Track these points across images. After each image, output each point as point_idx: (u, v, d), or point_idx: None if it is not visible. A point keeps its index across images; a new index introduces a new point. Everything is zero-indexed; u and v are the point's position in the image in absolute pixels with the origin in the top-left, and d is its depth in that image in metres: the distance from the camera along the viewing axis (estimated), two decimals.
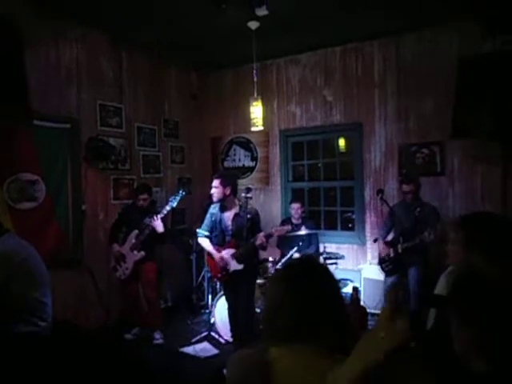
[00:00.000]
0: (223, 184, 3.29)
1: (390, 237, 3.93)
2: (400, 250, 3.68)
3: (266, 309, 1.08)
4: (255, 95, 3.70)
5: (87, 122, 4.16)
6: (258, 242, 3.19)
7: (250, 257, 3.34)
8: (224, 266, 3.32)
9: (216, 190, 3.32)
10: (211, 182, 5.40)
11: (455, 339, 0.93)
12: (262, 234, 3.21)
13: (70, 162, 4.02)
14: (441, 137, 4.08)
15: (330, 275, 1.07)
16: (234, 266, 3.31)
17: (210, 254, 3.49)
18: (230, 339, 3.70)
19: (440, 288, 1.96)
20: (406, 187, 3.75)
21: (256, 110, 3.65)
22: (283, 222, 4.68)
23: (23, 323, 2.29)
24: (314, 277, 1.04)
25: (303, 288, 1.01)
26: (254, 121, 3.68)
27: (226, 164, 5.57)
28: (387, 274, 3.82)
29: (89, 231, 4.14)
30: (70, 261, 3.89)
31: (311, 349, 0.96)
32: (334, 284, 1.06)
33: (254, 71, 3.81)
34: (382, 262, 3.85)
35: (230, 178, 3.38)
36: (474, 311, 0.89)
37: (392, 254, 3.75)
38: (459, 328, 0.93)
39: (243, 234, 3.22)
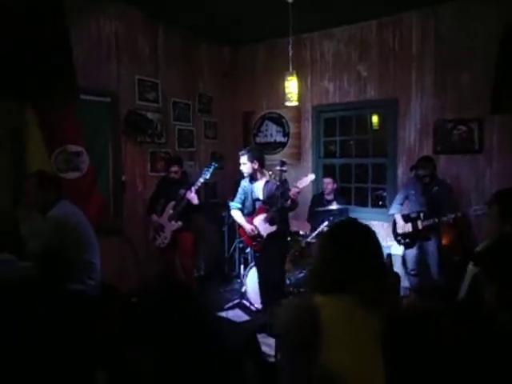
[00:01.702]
0: (250, 159, 3.50)
1: (404, 211, 3.93)
2: (420, 227, 3.73)
3: (314, 262, 1.18)
4: (290, 70, 3.70)
5: (126, 96, 4.30)
6: (291, 193, 3.31)
7: (283, 219, 3.49)
8: (256, 236, 3.47)
9: (244, 166, 3.54)
10: None
11: (486, 293, 1.07)
12: (294, 188, 3.35)
13: (111, 135, 4.20)
14: (479, 113, 3.97)
15: (374, 235, 1.15)
16: (267, 229, 3.47)
17: (241, 226, 3.66)
18: (261, 307, 3.88)
19: (465, 281, 2.01)
20: (422, 172, 3.74)
21: (291, 85, 3.66)
22: (314, 198, 4.75)
23: (75, 282, 2.51)
24: (359, 235, 1.13)
25: (349, 245, 1.10)
26: (289, 96, 3.69)
27: (257, 139, 5.63)
28: (406, 246, 3.88)
29: (128, 202, 4.35)
30: (110, 229, 4.12)
31: (351, 299, 1.05)
32: (377, 243, 1.14)
33: (290, 45, 3.79)
34: (398, 235, 3.89)
35: (256, 153, 3.57)
36: (499, 270, 1.07)
37: (410, 230, 3.79)
38: (487, 284, 1.10)
39: (273, 199, 3.34)
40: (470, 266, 1.92)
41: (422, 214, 3.74)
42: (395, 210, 4.00)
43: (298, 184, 3.36)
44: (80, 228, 2.60)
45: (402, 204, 3.98)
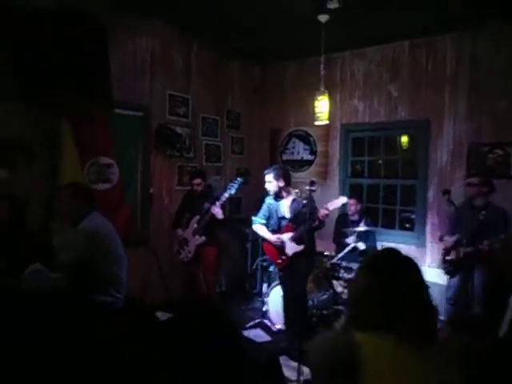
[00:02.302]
0: (276, 177, 3.49)
1: (454, 238, 3.77)
2: (462, 254, 3.55)
3: (352, 295, 1.13)
4: (322, 89, 3.70)
5: (157, 110, 4.39)
6: (320, 214, 3.26)
7: (309, 238, 3.43)
8: (281, 245, 3.43)
9: (270, 184, 3.52)
10: None
11: None
12: (323, 209, 3.30)
13: (141, 148, 4.27)
14: None
15: (416, 267, 1.10)
16: (293, 248, 3.42)
17: (266, 241, 3.61)
18: (283, 327, 3.80)
19: None
20: (472, 179, 3.55)
21: (322, 104, 3.65)
22: (339, 218, 4.66)
23: (103, 294, 2.52)
24: (400, 267, 1.08)
25: (390, 278, 1.05)
26: (319, 115, 3.69)
27: (284, 157, 5.62)
28: (449, 274, 3.70)
29: (154, 214, 4.40)
30: (137, 241, 4.16)
31: (394, 337, 0.99)
32: (420, 276, 1.08)
33: (322, 65, 3.80)
34: (444, 261, 3.72)
35: (281, 171, 3.57)
36: None
37: (453, 257, 3.62)
38: None
39: (300, 218, 3.30)
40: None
41: (464, 241, 3.53)
42: (445, 233, 3.79)
43: (328, 205, 3.31)
44: (109, 240, 2.62)
45: (455, 227, 3.71)
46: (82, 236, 2.48)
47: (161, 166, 4.46)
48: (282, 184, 3.49)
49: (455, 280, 3.67)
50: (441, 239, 3.85)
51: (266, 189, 4.12)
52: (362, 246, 4.14)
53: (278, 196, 3.57)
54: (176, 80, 4.61)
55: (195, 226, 3.99)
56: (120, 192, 3.99)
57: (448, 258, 3.67)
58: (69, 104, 3.32)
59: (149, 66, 4.28)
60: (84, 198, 2.60)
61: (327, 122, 3.79)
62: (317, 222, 3.31)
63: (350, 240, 4.12)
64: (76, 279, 2.31)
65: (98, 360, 1.69)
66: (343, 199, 3.39)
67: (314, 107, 3.87)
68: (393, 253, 1.13)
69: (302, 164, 5.38)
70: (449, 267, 3.66)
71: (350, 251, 4.10)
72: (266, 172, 3.57)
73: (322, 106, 3.65)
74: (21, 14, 2.99)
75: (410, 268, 1.09)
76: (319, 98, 3.64)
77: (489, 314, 3.36)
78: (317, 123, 3.78)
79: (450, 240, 3.67)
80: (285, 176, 3.53)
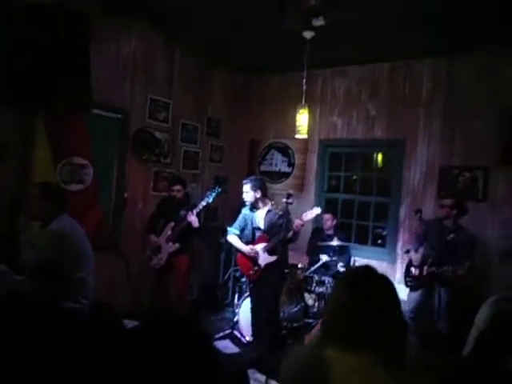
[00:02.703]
0: (253, 188, 3.53)
1: (420, 252, 3.84)
2: (425, 273, 3.62)
3: (328, 313, 1.13)
4: (303, 103, 3.75)
5: (137, 113, 4.33)
6: (294, 227, 3.29)
7: (283, 249, 3.45)
8: (254, 257, 3.46)
9: (247, 194, 3.56)
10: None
11: None
12: (298, 220, 3.33)
13: (118, 151, 4.19)
14: (485, 162, 4.01)
15: (390, 284, 1.11)
16: (266, 258, 3.43)
17: (240, 252, 3.60)
18: (252, 339, 3.77)
19: (483, 316, 1.96)
20: (445, 201, 3.63)
21: (302, 118, 3.70)
22: (314, 231, 4.71)
23: (69, 300, 2.43)
24: (376, 285, 1.08)
25: (366, 295, 1.05)
26: (299, 128, 3.73)
27: (262, 167, 5.64)
28: (411, 288, 3.76)
29: (127, 219, 4.30)
30: (107, 245, 4.05)
31: (369, 355, 1.00)
32: (394, 293, 1.09)
33: (304, 80, 3.86)
34: (407, 275, 3.79)
35: (258, 182, 3.61)
36: None
37: (416, 273, 3.69)
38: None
39: (275, 229, 3.31)
40: (478, 318, 1.87)
41: (429, 260, 3.61)
42: (412, 247, 3.87)
43: (302, 217, 3.34)
44: (78, 243, 2.54)
45: (421, 243, 3.78)
46: (50, 237, 2.39)
47: (137, 171, 4.39)
48: (258, 195, 3.52)
49: (416, 294, 3.73)
50: (407, 252, 3.93)
51: (243, 198, 4.14)
52: (341, 267, 4.15)
53: (254, 207, 3.59)
54: (158, 84, 4.57)
55: (169, 232, 3.93)
56: (93, 194, 3.90)
57: (411, 273, 3.75)
58: (44, 101, 3.23)
59: (131, 68, 4.23)
60: (54, 198, 2.51)
61: (306, 136, 3.84)
62: (291, 234, 3.32)
63: (324, 256, 4.14)
64: (41, 283, 2.22)
65: (64, 369, 1.62)
66: (317, 210, 3.43)
67: (294, 120, 3.91)
68: (369, 270, 1.14)
69: (280, 176, 5.42)
70: (411, 282, 3.74)
71: (322, 266, 4.13)
72: (244, 182, 3.58)
73: (303, 120, 3.69)
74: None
75: (386, 285, 1.10)
76: (300, 111, 3.68)
77: (452, 330, 3.45)
78: (297, 136, 3.82)
79: (415, 256, 3.75)
80: (262, 187, 3.56)
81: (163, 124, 4.64)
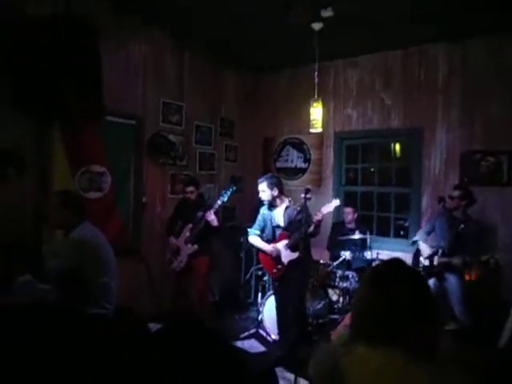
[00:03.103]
0: (270, 187, 3.47)
1: (429, 242, 3.77)
2: (435, 263, 3.57)
3: (354, 309, 1.09)
4: (315, 96, 3.70)
5: (150, 118, 4.35)
6: (315, 220, 3.24)
7: (305, 245, 3.40)
8: (277, 255, 3.42)
9: (264, 193, 3.50)
10: None
11: None
12: (318, 213, 3.29)
13: (134, 157, 4.22)
14: (507, 146, 3.87)
15: (419, 278, 1.06)
16: (288, 256, 3.40)
17: (262, 251, 3.58)
18: (278, 338, 3.74)
19: None
20: (454, 192, 3.57)
21: (316, 112, 3.65)
22: (334, 226, 4.65)
23: (93, 305, 2.45)
24: (402, 279, 1.04)
25: (391, 290, 1.01)
26: (313, 122, 3.68)
27: (278, 164, 5.61)
28: None
29: (147, 222, 4.34)
30: (128, 250, 4.08)
31: (399, 352, 0.95)
32: (423, 287, 1.05)
33: (316, 72, 3.80)
34: (415, 266, 3.70)
35: (274, 180, 3.55)
36: None
37: (427, 263, 3.64)
38: None
39: (295, 225, 3.27)
40: None
41: (440, 250, 3.57)
42: (419, 237, 3.83)
43: (322, 209, 3.29)
44: (100, 250, 2.56)
45: (428, 233, 3.80)
46: (72, 245, 2.42)
47: (153, 175, 4.41)
48: (275, 193, 3.48)
49: (431, 281, 3.62)
50: (414, 243, 3.89)
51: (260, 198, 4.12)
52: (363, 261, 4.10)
53: (272, 205, 3.55)
54: (169, 87, 4.58)
55: (188, 234, 3.94)
56: (112, 200, 3.93)
57: (421, 263, 3.68)
58: (58, 110, 3.27)
59: (142, 75, 4.25)
60: (74, 206, 2.54)
61: (321, 129, 3.78)
62: (312, 228, 3.27)
63: (346, 253, 4.07)
64: (66, 290, 2.24)
65: (91, 373, 1.63)
66: (336, 202, 3.38)
67: (308, 115, 3.87)
68: (395, 264, 1.09)
69: (296, 172, 5.37)
70: (422, 272, 3.66)
71: (345, 260, 4.07)
72: (259, 181, 3.54)
73: (317, 114, 3.64)
74: (14, 18, 2.95)
75: (412, 279, 1.05)
76: (314, 105, 3.63)
77: (471, 319, 3.38)
78: (311, 130, 3.77)
79: (423, 246, 3.73)
80: (278, 184, 3.52)
81: (177, 127, 4.66)
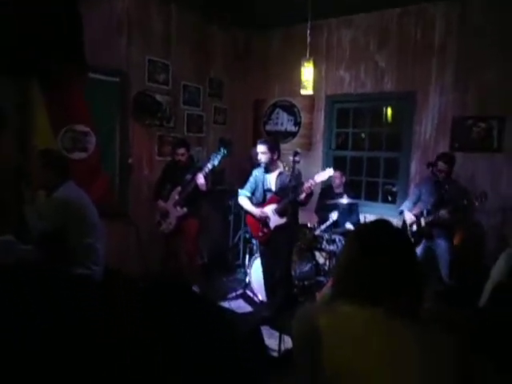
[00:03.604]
0: (271, 150, 3.42)
1: (415, 211, 3.82)
2: (423, 224, 3.63)
3: (338, 268, 1.08)
4: (307, 56, 3.56)
5: (135, 76, 4.18)
6: (305, 187, 3.22)
7: (293, 211, 3.39)
8: (264, 220, 3.42)
9: (264, 155, 3.44)
10: (252, 144, 5.42)
11: None
12: (310, 181, 3.25)
13: (119, 116, 4.08)
14: (502, 111, 3.83)
15: (405, 238, 1.05)
16: (276, 220, 3.41)
17: (250, 214, 3.57)
18: (265, 299, 3.82)
19: (499, 268, 1.92)
20: (443, 166, 3.57)
21: (307, 72, 3.52)
22: (322, 190, 4.64)
23: (78, 266, 2.43)
24: (386, 239, 1.02)
25: (375, 250, 1.00)
26: (304, 83, 3.56)
27: (267, 127, 5.51)
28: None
29: (134, 185, 4.27)
30: (116, 212, 4.04)
31: (383, 310, 0.95)
32: (409, 248, 1.04)
33: (308, 31, 3.65)
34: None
35: (276, 143, 3.52)
36: None
37: (415, 228, 3.70)
38: None
39: (286, 191, 3.26)
40: (494, 271, 1.82)
41: (425, 211, 3.63)
42: (404, 207, 3.88)
43: (315, 178, 3.26)
44: (84, 210, 2.51)
45: (415, 203, 3.85)
46: (55, 205, 2.37)
47: (140, 136, 4.30)
48: (275, 156, 3.45)
49: (419, 248, 3.72)
50: (401, 213, 3.90)
51: (250, 159, 4.06)
52: (348, 225, 4.14)
53: (268, 168, 3.50)
54: (155, 45, 4.37)
55: (176, 197, 3.90)
56: (97, 161, 3.84)
57: (411, 230, 3.73)
58: (37, 66, 3.10)
59: (125, 28, 4.03)
60: (57, 166, 2.46)
61: (311, 92, 3.67)
62: (303, 196, 3.25)
63: (333, 215, 4.10)
64: (49, 251, 2.21)
65: (81, 332, 1.63)
66: (330, 171, 3.33)
67: (299, 76, 3.74)
68: (381, 224, 1.07)
69: (286, 135, 5.29)
70: (412, 238, 3.72)
71: (332, 224, 4.10)
72: (259, 142, 3.49)
73: (308, 74, 3.52)
74: None
75: (397, 238, 1.03)
76: (305, 65, 3.50)
77: (456, 280, 3.49)
78: (302, 92, 3.65)
79: (408, 215, 3.77)
80: (279, 148, 3.50)
81: (163, 86, 4.49)
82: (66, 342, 1.75)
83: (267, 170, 3.51)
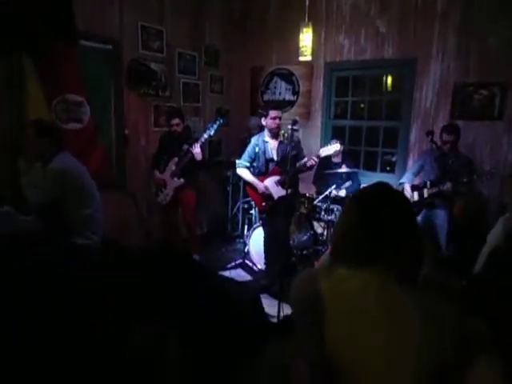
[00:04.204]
0: (281, 117, 3.41)
1: (416, 181, 3.81)
2: (426, 195, 3.61)
3: (336, 231, 1.07)
4: (306, 21, 3.44)
5: (129, 43, 4.05)
6: (309, 163, 3.25)
7: (295, 182, 3.43)
8: (269, 195, 3.40)
9: (280, 122, 3.40)
10: (250, 114, 5.34)
11: None
12: (314, 157, 3.29)
13: (113, 85, 3.98)
14: (504, 78, 3.75)
15: (407, 202, 1.03)
16: (278, 191, 3.40)
17: (251, 185, 3.55)
18: (263, 268, 3.87)
19: (496, 233, 1.93)
20: (447, 137, 3.51)
21: (306, 38, 3.42)
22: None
23: (77, 236, 2.44)
24: (384, 201, 1.00)
25: (374, 213, 0.98)
26: (303, 49, 3.47)
27: (265, 97, 5.40)
28: None
29: (130, 157, 4.23)
30: (112, 184, 4.02)
31: (381, 273, 0.95)
32: (409, 211, 1.02)
33: None
34: None
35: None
36: None
37: (416, 198, 3.68)
38: None
39: (287, 161, 3.23)
40: (491, 237, 1.83)
41: (428, 183, 3.60)
42: (405, 179, 3.85)
43: (320, 152, 3.25)
44: (81, 181, 2.49)
45: (415, 174, 3.82)
46: (51, 176, 2.34)
47: (135, 106, 4.21)
48: (281, 125, 3.42)
49: (418, 218, 3.71)
50: (400, 184, 3.89)
51: (248, 129, 4.02)
52: (342, 192, 4.14)
53: (276, 135, 3.46)
54: (148, 9, 4.21)
55: (173, 168, 3.87)
56: (92, 132, 3.78)
57: (412, 199, 3.72)
58: (27, 33, 2.99)
59: None
60: (50, 136, 2.41)
61: (310, 58, 3.58)
62: (310, 162, 3.29)
63: (331, 186, 4.08)
64: (47, 222, 2.20)
65: (74, 296, 1.65)
66: (336, 146, 3.30)
67: (298, 43, 3.63)
68: (381, 187, 1.05)
69: (284, 105, 5.19)
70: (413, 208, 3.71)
71: (331, 194, 4.09)
72: (274, 108, 3.43)
73: (306, 40, 3.42)
74: None
75: (397, 201, 1.01)
76: (304, 30, 3.39)
77: (456, 250, 3.52)
78: (301, 59, 3.57)
79: (408, 187, 3.75)
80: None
81: (158, 54, 4.36)
82: (64, 311, 1.77)
83: (273, 138, 3.46)
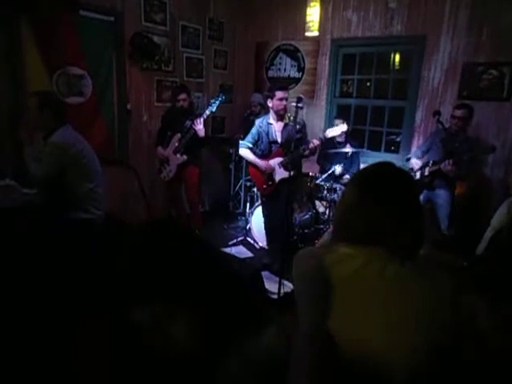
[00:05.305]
0: (287, 98, 3.32)
1: (422, 160, 3.77)
2: (426, 173, 3.57)
3: (337, 210, 1.07)
4: None
5: (131, 15, 3.94)
6: (311, 145, 3.20)
7: (298, 165, 3.39)
8: (270, 173, 3.38)
9: (286, 103, 3.31)
10: (254, 90, 5.26)
11: None
12: (316, 139, 3.23)
13: (115, 59, 3.91)
14: None
15: (411, 182, 1.02)
16: (281, 173, 3.37)
17: (254, 166, 3.52)
18: (265, 245, 3.89)
19: (501, 215, 1.92)
20: (458, 112, 3.42)
21: (313, 12, 3.33)
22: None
23: (81, 210, 2.45)
24: (387, 181, 0.99)
25: (375, 190, 0.98)
26: (310, 24, 3.39)
27: (270, 73, 5.30)
28: None
29: (133, 132, 4.19)
30: (115, 160, 4.00)
31: (383, 251, 0.95)
32: (411, 188, 1.01)
33: None
34: None
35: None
36: None
37: (418, 176, 3.64)
38: None
39: (291, 144, 3.19)
40: (495, 219, 1.83)
41: (431, 162, 3.56)
42: (413, 155, 3.80)
43: (327, 133, 3.20)
44: (83, 155, 2.47)
45: (424, 152, 3.74)
46: (52, 149, 2.32)
47: (138, 80, 4.15)
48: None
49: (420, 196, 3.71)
50: (408, 160, 3.84)
51: (250, 106, 3.93)
52: (338, 170, 4.10)
53: (282, 117, 3.39)
54: None
55: (176, 144, 3.84)
56: (95, 106, 3.76)
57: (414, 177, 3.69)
58: (27, 6, 2.92)
59: None
60: (54, 107, 2.38)
61: (317, 33, 3.49)
62: (307, 152, 3.24)
63: (337, 167, 4.05)
64: (49, 195, 2.20)
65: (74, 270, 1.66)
66: (343, 127, 3.24)
67: (304, 18, 3.54)
68: (384, 166, 1.04)
69: (289, 82, 5.10)
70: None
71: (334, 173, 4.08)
72: (282, 87, 3.34)
73: (314, 14, 3.33)
74: None
75: (399, 179, 1.00)
76: (311, 4, 3.30)
77: (456, 231, 3.52)
78: (307, 34, 3.49)
79: (415, 161, 3.70)
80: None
81: (161, 27, 4.26)
82: (63, 288, 1.79)
83: (279, 120, 3.39)
